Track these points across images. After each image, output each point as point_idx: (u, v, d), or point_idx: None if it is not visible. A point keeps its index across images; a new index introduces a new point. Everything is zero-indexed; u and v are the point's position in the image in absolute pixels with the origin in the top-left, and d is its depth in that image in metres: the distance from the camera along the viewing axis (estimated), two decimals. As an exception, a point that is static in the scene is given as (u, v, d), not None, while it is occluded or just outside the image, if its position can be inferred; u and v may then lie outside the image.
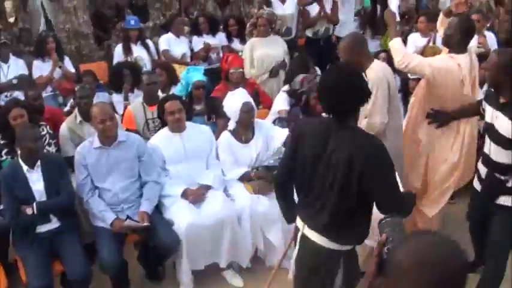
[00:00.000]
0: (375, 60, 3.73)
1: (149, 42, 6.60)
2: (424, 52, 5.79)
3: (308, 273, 2.61)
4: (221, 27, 6.90)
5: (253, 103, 4.20)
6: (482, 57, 4.21)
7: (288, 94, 4.90)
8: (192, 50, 6.72)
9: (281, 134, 4.22)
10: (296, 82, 4.87)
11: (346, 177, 2.32)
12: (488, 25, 6.42)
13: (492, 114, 3.21)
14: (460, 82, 3.65)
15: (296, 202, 2.75)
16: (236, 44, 6.72)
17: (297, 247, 2.65)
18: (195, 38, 6.73)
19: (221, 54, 6.37)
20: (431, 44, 6.18)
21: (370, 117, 3.61)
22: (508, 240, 3.29)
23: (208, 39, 6.65)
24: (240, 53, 6.14)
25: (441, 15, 4.23)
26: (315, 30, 6.78)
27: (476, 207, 3.60)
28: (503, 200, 3.25)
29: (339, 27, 6.90)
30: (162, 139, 4.02)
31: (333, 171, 2.36)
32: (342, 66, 2.74)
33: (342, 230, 2.46)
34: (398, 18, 5.88)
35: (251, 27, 6.10)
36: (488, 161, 3.28)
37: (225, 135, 4.19)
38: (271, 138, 4.23)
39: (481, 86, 4.50)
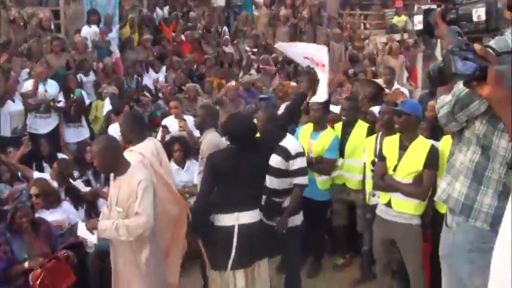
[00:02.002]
0: (132, 164, 3.65)
1: None
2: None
3: None
4: None
5: None
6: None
7: None
8: None
9: None
10: None
11: None
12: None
13: None
14: (150, 168, 3.96)
15: None
16: None
17: None
18: None
19: None
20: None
21: (139, 216, 3.47)
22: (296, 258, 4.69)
23: None
24: None
25: None
26: (14, 127, 6.72)
27: None
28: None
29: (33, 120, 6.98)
30: None
31: None
32: None
33: None
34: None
35: None
36: (265, 188, 4.39)
37: None
38: None
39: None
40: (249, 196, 3.97)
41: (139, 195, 3.43)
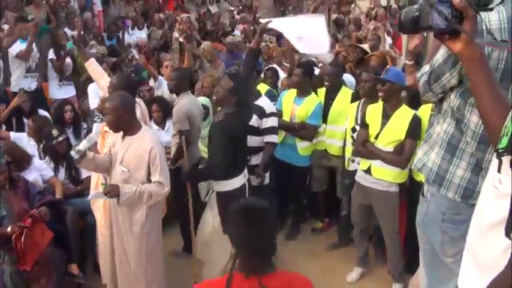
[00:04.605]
0: (143, 126, 3.67)
1: None
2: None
3: None
4: None
5: None
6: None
7: None
8: None
9: None
10: None
11: None
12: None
13: None
14: None
15: None
16: None
17: None
18: None
19: None
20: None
21: (162, 185, 3.52)
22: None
23: None
24: None
25: None
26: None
27: None
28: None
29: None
30: None
31: None
32: None
33: None
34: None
35: None
36: None
37: None
38: None
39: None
40: (246, 155, 4.19)
41: (157, 163, 3.45)
